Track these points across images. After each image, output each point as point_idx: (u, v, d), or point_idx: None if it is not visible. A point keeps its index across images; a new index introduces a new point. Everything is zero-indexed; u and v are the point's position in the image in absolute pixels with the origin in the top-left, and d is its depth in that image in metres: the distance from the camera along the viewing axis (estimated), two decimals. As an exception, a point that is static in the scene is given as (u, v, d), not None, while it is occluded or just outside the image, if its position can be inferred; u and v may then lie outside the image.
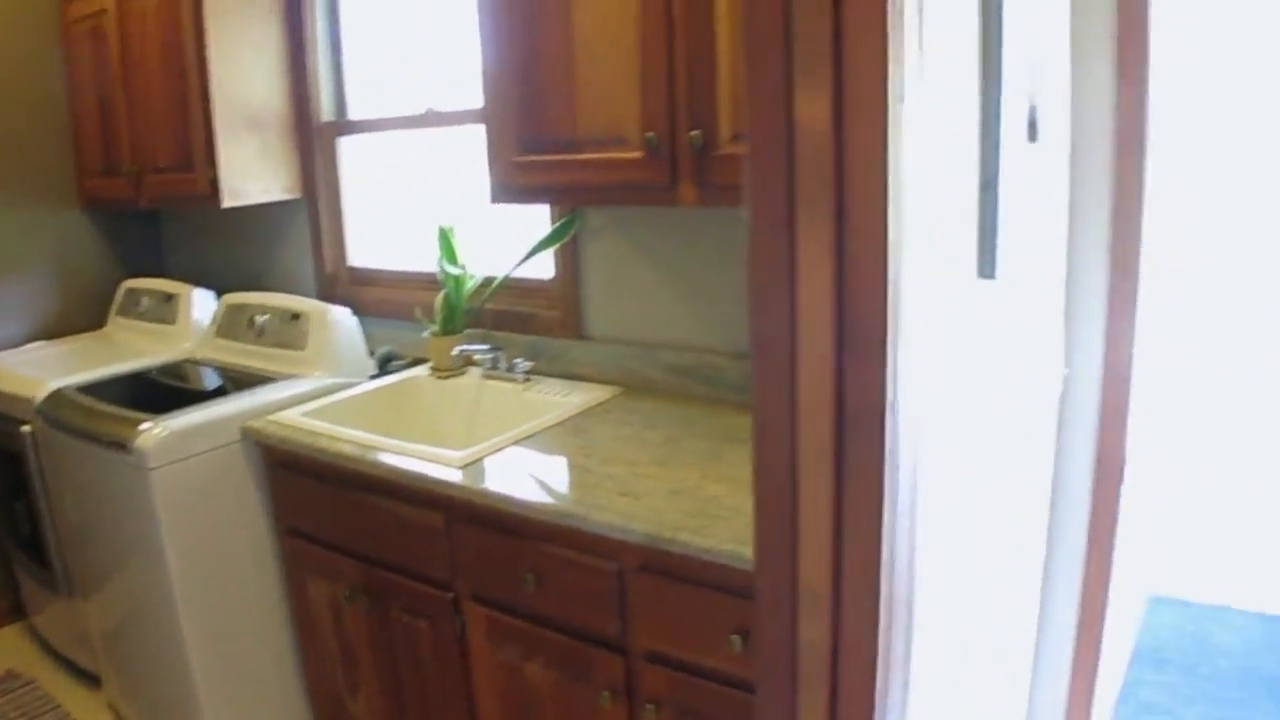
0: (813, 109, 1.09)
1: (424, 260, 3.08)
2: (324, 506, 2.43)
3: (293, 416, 2.53)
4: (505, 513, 2.00)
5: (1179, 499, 3.92)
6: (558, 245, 2.72)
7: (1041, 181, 1.89)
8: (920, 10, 1.10)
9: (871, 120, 1.07)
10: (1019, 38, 1.54)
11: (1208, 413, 3.96)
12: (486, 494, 2.02)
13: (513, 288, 2.88)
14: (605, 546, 1.87)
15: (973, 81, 1.41)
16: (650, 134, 2.03)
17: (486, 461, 2.17)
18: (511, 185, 2.30)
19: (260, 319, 3.09)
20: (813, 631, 1.25)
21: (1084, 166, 2.10)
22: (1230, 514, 3.92)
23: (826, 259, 1.11)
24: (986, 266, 1.44)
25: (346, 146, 3.35)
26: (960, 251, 1.43)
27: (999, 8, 1.39)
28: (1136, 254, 2.12)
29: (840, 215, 1.10)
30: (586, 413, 2.47)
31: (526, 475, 2.09)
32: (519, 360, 2.75)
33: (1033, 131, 1.70)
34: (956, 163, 1.38)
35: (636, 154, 2.06)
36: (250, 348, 3.10)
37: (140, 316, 3.59)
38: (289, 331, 3.00)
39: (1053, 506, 2.29)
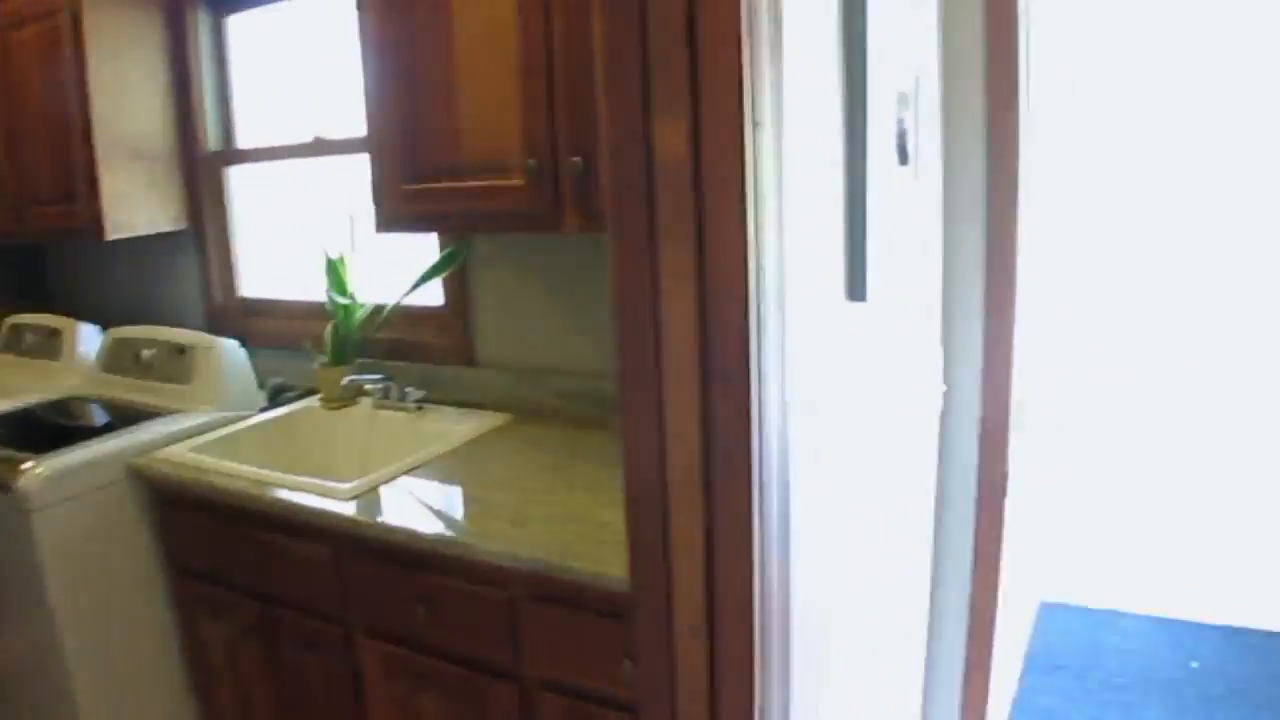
0: (670, 136, 1.10)
1: (316, 289, 3.04)
2: (215, 544, 2.38)
3: (180, 452, 2.47)
4: (395, 544, 1.98)
5: (1067, 506, 4.02)
6: (445, 273, 2.71)
7: (915, 204, 1.93)
8: (779, 38, 1.12)
9: (728, 145, 1.08)
10: (885, 64, 1.57)
11: (1093, 421, 4.07)
12: (376, 525, 1.99)
13: (404, 316, 2.86)
14: (496, 575, 1.85)
15: (838, 107, 1.43)
16: (531, 161, 2.03)
17: (377, 492, 2.14)
18: (396, 214, 2.28)
19: (147, 353, 3.02)
20: (690, 656, 1.26)
21: (957, 187, 2.15)
22: (1119, 519, 4.03)
23: (688, 285, 1.12)
24: (856, 289, 1.47)
25: (235, 176, 3.30)
26: (831, 275, 1.45)
27: (862, 35, 1.42)
28: (1013, 270, 2.17)
29: (700, 241, 1.11)
30: (478, 440, 2.46)
31: (417, 505, 2.07)
32: (410, 389, 2.72)
33: (903, 155, 1.73)
34: (825, 187, 1.40)
35: (518, 181, 2.06)
36: (137, 382, 3.02)
37: (24, 353, 3.48)
38: (175, 365, 2.94)
39: (938, 520, 2.33)
